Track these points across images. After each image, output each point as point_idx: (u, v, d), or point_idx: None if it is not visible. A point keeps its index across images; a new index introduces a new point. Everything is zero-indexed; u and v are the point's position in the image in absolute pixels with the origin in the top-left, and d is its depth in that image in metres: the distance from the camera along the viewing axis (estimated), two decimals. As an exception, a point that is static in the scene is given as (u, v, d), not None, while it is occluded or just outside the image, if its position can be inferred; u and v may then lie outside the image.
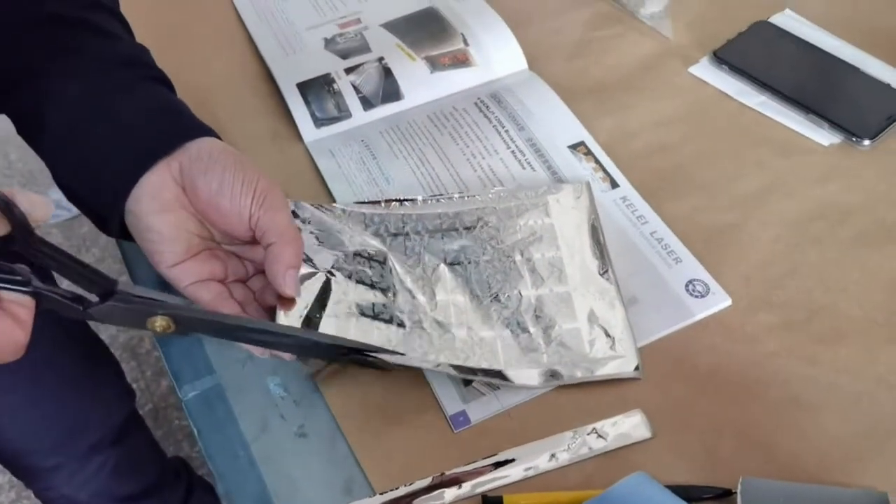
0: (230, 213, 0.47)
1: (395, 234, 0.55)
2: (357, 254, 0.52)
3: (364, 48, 0.68)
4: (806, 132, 0.63)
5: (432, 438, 0.48)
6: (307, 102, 0.65)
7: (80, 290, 0.39)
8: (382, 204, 0.57)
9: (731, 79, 0.67)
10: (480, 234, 0.55)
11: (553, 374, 0.49)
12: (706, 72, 0.68)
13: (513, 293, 0.52)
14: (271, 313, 0.47)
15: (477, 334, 0.50)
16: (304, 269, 0.48)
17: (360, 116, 0.65)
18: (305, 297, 0.48)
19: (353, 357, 0.47)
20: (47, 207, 0.37)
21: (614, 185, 0.60)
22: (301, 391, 0.51)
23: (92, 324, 0.86)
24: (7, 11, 0.49)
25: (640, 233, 0.57)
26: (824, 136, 0.62)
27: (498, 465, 0.46)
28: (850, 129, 0.62)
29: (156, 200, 0.46)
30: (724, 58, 0.67)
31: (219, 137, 0.50)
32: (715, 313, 0.53)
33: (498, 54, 0.68)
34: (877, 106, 0.63)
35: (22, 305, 0.36)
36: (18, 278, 0.36)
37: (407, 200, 0.57)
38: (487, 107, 0.65)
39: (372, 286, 0.51)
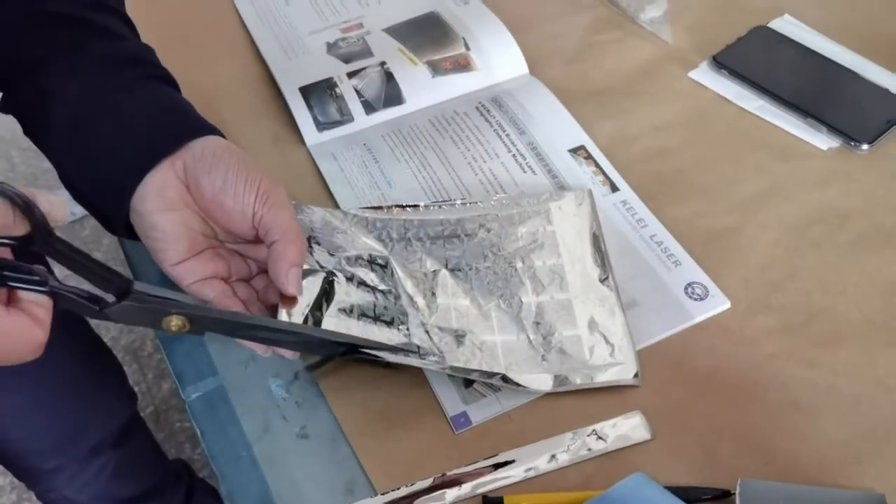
0: (234, 211, 0.47)
1: (398, 239, 0.55)
2: (359, 257, 0.52)
3: (366, 52, 0.69)
4: (805, 136, 0.63)
5: (433, 439, 0.48)
6: (310, 106, 0.65)
7: (96, 290, 0.40)
8: (385, 210, 0.57)
9: (731, 83, 0.67)
10: (482, 241, 0.55)
11: (562, 380, 0.49)
12: (706, 76, 0.68)
13: (513, 300, 0.53)
14: (273, 311, 0.48)
15: (478, 338, 0.51)
16: (307, 268, 0.49)
17: (362, 120, 0.65)
18: (307, 297, 0.48)
19: (354, 355, 0.47)
20: (66, 208, 0.38)
21: (614, 188, 0.60)
22: (303, 393, 0.51)
23: (94, 326, 0.87)
24: (12, 10, 0.50)
25: (639, 236, 0.57)
26: (823, 141, 0.63)
27: (498, 465, 0.46)
28: (849, 133, 0.62)
29: (160, 199, 0.47)
30: (723, 62, 0.68)
31: (223, 136, 0.50)
32: (714, 316, 0.53)
33: (499, 59, 0.68)
34: (875, 110, 0.64)
35: (40, 305, 0.37)
36: (37, 278, 0.36)
37: (410, 206, 0.57)
38: (488, 111, 0.66)
39: (374, 289, 0.51)
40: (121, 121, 0.48)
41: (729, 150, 0.63)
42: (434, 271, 0.53)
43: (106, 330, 0.87)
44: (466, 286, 0.53)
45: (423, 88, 0.67)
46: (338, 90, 0.66)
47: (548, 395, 0.49)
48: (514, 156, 0.62)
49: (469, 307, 0.52)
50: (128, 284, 0.40)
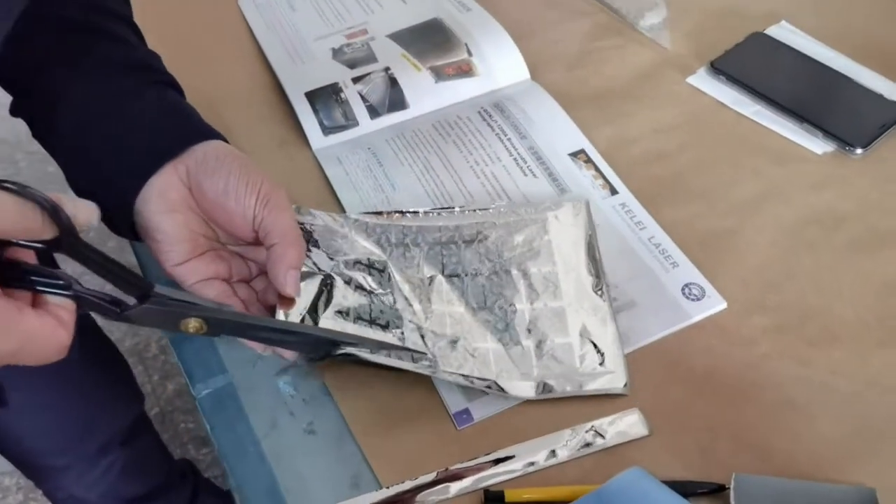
0: (235, 213, 0.48)
1: (396, 245, 0.56)
2: (358, 261, 0.53)
3: (371, 58, 0.70)
4: (800, 141, 0.64)
5: (436, 435, 0.49)
6: (315, 111, 0.66)
7: (116, 293, 0.41)
8: (385, 215, 0.58)
9: (728, 88, 0.68)
10: (479, 248, 0.56)
11: (545, 387, 0.50)
12: (703, 82, 0.69)
13: (507, 306, 0.53)
14: (272, 312, 0.49)
15: (471, 345, 0.51)
16: (305, 270, 0.50)
17: (366, 125, 0.67)
18: (305, 299, 0.49)
19: (349, 357, 0.48)
20: (93, 212, 0.39)
21: (613, 192, 0.61)
22: (309, 390, 0.52)
23: (100, 327, 0.88)
24: (26, 16, 0.51)
25: (638, 238, 0.58)
26: (818, 145, 0.64)
27: (499, 460, 0.47)
28: (844, 137, 0.63)
29: (163, 201, 0.48)
30: (721, 68, 0.69)
31: (226, 140, 0.51)
32: (711, 316, 0.54)
33: (501, 64, 0.69)
34: (869, 115, 0.65)
35: (64, 308, 0.38)
36: (61, 282, 0.38)
37: (409, 212, 0.58)
38: (490, 115, 0.67)
39: (370, 293, 0.52)
40: (126, 124, 0.49)
41: (726, 154, 0.64)
42: (430, 277, 0.54)
43: (110, 332, 0.88)
44: (461, 292, 0.54)
45: (426, 93, 0.68)
46: (343, 95, 0.67)
47: (548, 392, 0.50)
48: (515, 159, 0.64)
49: (463, 314, 0.53)
50: (148, 287, 0.41)
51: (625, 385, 0.50)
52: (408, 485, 0.47)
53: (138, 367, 1.39)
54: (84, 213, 0.38)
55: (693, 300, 0.54)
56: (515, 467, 0.47)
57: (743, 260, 0.57)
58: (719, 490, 0.45)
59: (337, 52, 0.72)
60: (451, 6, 0.74)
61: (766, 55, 0.70)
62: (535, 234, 0.57)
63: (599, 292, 0.54)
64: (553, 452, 0.48)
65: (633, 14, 0.75)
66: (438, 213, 0.58)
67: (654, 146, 0.65)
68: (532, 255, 0.56)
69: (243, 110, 0.68)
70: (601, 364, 0.51)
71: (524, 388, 0.50)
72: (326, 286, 0.50)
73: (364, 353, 0.47)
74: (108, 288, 0.41)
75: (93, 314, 0.41)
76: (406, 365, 0.49)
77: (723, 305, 0.54)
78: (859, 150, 0.63)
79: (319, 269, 0.51)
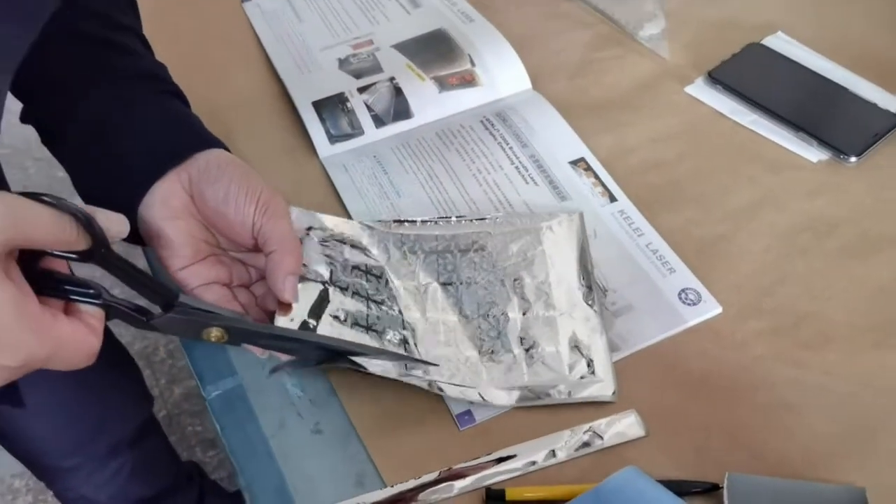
0: (235, 221, 0.49)
1: (394, 252, 0.57)
2: (356, 267, 0.54)
3: (376, 68, 0.71)
4: (795, 149, 0.65)
5: (439, 436, 0.50)
6: (322, 120, 0.68)
7: (141, 302, 0.42)
8: (384, 224, 0.58)
9: (725, 98, 0.70)
10: (474, 257, 0.57)
11: (532, 395, 0.51)
12: (701, 91, 0.70)
13: (500, 315, 0.54)
14: (270, 317, 0.50)
15: (463, 353, 0.53)
16: (304, 276, 0.51)
17: (372, 133, 0.68)
18: (303, 304, 0.50)
19: (340, 364, 0.49)
20: (123, 224, 0.40)
21: (612, 199, 0.63)
22: (316, 391, 0.53)
23: (113, 330, 0.89)
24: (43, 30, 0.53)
25: (636, 244, 0.60)
26: (813, 153, 0.65)
27: (500, 460, 0.49)
28: (838, 146, 0.64)
29: (166, 207, 0.49)
30: (718, 78, 0.70)
31: (227, 149, 0.52)
32: (706, 320, 0.55)
33: (503, 74, 0.71)
34: (863, 124, 0.66)
35: (94, 316, 0.40)
36: (91, 291, 0.39)
37: (407, 221, 0.59)
38: (493, 124, 0.68)
39: (367, 299, 0.53)
40: (132, 133, 0.51)
41: (723, 163, 0.65)
42: (426, 284, 0.55)
43: (120, 336, 0.90)
44: (455, 300, 0.55)
45: (430, 103, 0.69)
46: (349, 104, 0.69)
47: (548, 394, 0.52)
48: (516, 168, 0.65)
49: (457, 322, 0.54)
50: (173, 297, 0.43)
51: (613, 393, 0.51)
52: (411, 483, 0.48)
53: (146, 371, 1.41)
54: (116, 225, 0.40)
55: (689, 305, 0.56)
56: (516, 466, 0.48)
57: (738, 266, 0.58)
58: (713, 489, 0.47)
59: (343, 63, 0.73)
60: (454, 17, 0.76)
61: (763, 65, 0.72)
62: (529, 245, 0.58)
63: (590, 302, 0.55)
64: (553, 452, 0.49)
65: (632, 25, 0.76)
66: (436, 223, 0.59)
67: (653, 154, 0.66)
68: (526, 265, 0.57)
69: (252, 119, 0.70)
70: (591, 373, 0.52)
71: (502, 398, 0.50)
72: (324, 292, 0.51)
73: (362, 361, 0.48)
74: (135, 297, 0.42)
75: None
76: (393, 374, 0.49)
77: (718, 310, 0.56)
78: (853, 159, 0.64)
79: (318, 275, 0.52)
